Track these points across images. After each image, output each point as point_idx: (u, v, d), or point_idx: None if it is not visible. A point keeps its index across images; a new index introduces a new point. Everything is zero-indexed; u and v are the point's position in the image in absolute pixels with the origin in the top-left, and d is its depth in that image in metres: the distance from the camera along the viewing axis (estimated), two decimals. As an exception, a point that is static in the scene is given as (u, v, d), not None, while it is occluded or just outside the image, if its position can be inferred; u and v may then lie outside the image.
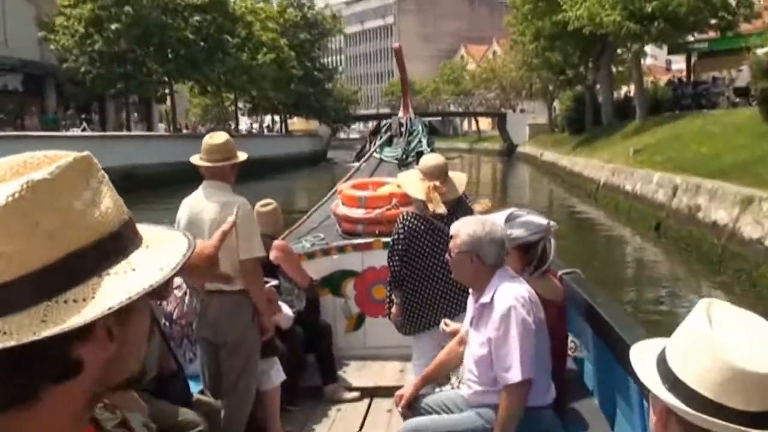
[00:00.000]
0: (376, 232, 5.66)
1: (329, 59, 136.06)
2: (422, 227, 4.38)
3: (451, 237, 3.31)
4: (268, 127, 66.62)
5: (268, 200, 5.43)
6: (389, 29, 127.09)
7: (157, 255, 1.00)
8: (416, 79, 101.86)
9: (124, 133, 34.65)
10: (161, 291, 0.87)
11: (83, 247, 0.93)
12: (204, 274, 1.40)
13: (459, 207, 4.44)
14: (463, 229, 3.25)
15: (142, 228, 1.05)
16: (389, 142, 7.06)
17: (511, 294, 3.12)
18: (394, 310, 4.55)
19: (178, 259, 1.00)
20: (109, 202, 0.99)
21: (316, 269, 5.70)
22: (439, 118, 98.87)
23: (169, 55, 36.66)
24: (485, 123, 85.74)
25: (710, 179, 13.59)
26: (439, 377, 3.78)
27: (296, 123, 72.23)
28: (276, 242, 5.28)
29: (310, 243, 6.07)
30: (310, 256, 5.80)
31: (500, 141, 70.18)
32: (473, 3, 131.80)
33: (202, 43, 37.30)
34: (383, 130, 7.27)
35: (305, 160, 53.47)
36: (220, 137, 4.27)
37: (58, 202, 0.93)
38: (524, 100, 69.81)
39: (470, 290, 3.39)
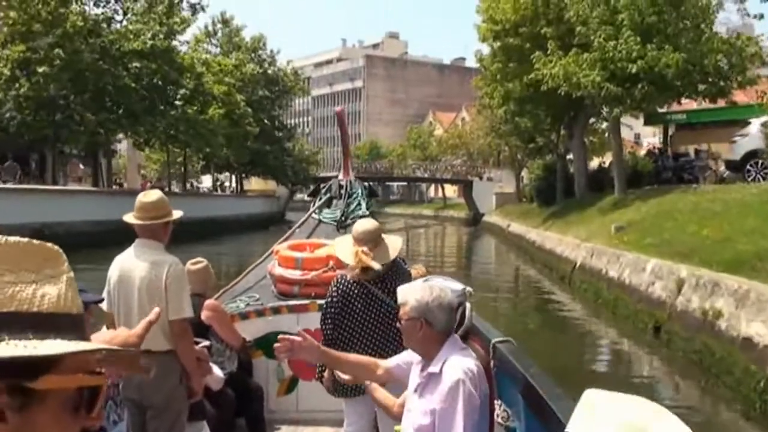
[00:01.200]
0: (312, 294, 5.63)
1: (294, 120, 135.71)
2: (355, 291, 4.32)
3: (400, 304, 3.25)
4: (221, 185, 63.13)
5: (199, 258, 5.40)
6: (358, 93, 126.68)
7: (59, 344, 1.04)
8: (383, 143, 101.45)
9: (39, 186, 30.88)
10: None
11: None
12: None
13: (393, 271, 4.36)
14: (411, 296, 3.20)
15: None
16: (328, 204, 7.08)
17: (460, 367, 3.07)
18: (326, 374, 4.38)
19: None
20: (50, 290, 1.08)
21: (250, 330, 5.63)
22: (405, 184, 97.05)
23: (106, 104, 33.27)
24: (451, 190, 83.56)
25: (729, 274, 10.40)
26: (337, 365, 3.73)
27: (254, 183, 69.01)
28: (208, 302, 5.16)
29: (244, 303, 5.99)
30: (244, 316, 5.74)
31: (466, 209, 67.78)
32: (443, 70, 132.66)
33: (142, 92, 33.99)
34: (323, 191, 7.23)
35: (259, 222, 50.06)
36: (153, 195, 4.27)
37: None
38: (491, 168, 67.64)
39: (414, 356, 3.32)
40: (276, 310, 5.79)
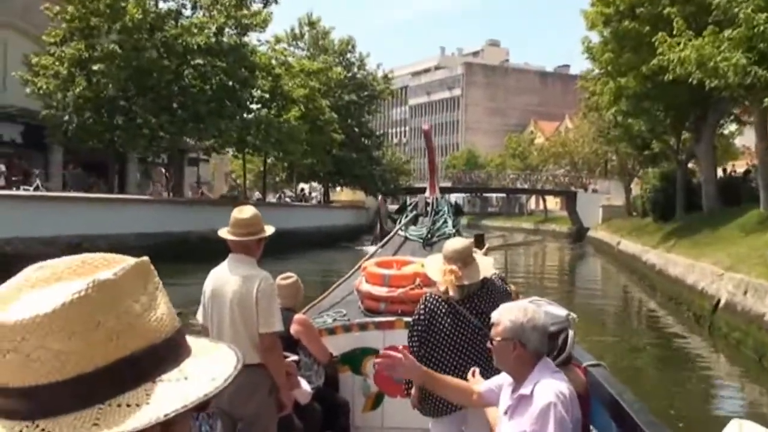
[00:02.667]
0: (399, 311, 5.60)
1: (391, 130, 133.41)
2: (442, 309, 4.33)
3: (493, 324, 3.24)
4: (303, 196, 60.03)
5: (288, 273, 5.54)
6: (456, 101, 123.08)
7: (207, 365, 1.04)
8: (481, 152, 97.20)
9: (80, 194, 28.04)
10: (205, 404, 1.01)
11: (138, 351, 0.98)
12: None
13: (484, 292, 4.36)
14: (505, 316, 3.19)
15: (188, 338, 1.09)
16: (414, 221, 7.13)
17: (552, 390, 3.03)
18: (413, 391, 4.41)
19: (230, 371, 1.04)
20: (164, 308, 1.04)
21: (337, 345, 5.62)
22: (503, 195, 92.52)
23: (168, 105, 30.37)
24: (553, 202, 78.49)
25: None
26: (435, 387, 3.73)
27: (342, 193, 65.79)
28: (297, 316, 5.26)
29: (331, 318, 5.97)
30: (331, 331, 5.73)
31: (569, 223, 62.74)
32: (545, 78, 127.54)
33: (209, 93, 30.93)
34: (409, 208, 7.34)
35: (343, 235, 46.68)
36: (247, 211, 4.47)
37: (119, 305, 0.98)
38: (597, 179, 62.18)
39: (507, 378, 3.31)
40: (363, 327, 5.70)
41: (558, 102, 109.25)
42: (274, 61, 38.36)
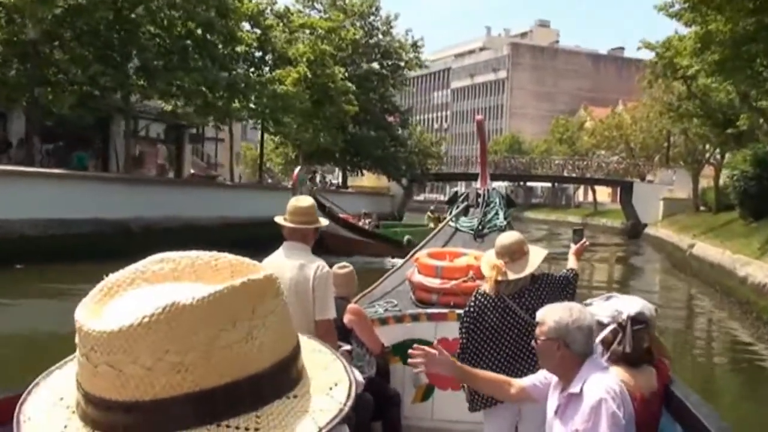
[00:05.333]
0: (451, 303, 5.55)
1: (432, 114, 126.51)
2: (491, 303, 4.35)
3: (538, 323, 3.23)
4: (317, 179, 52.77)
5: (344, 263, 5.61)
6: (501, 84, 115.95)
7: (316, 401, 1.02)
8: (526, 138, 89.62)
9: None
10: None
11: (255, 374, 0.96)
12: None
13: (536, 287, 4.35)
14: (549, 316, 3.17)
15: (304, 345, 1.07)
16: (465, 212, 7.09)
17: (602, 386, 3.03)
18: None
19: (344, 399, 1.03)
20: (271, 334, 1.00)
21: (388, 335, 5.58)
22: (549, 185, 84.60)
23: (113, 55, 23.41)
24: (604, 193, 70.32)
25: None
26: (470, 381, 3.80)
27: (366, 179, 58.54)
28: (350, 306, 5.24)
29: (383, 308, 5.97)
30: (383, 321, 5.72)
31: (622, 217, 54.86)
32: (598, 60, 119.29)
33: (165, 42, 23.87)
34: (460, 199, 7.28)
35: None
36: (305, 201, 4.63)
37: (241, 320, 0.96)
38: (658, 167, 54.07)
39: (555, 378, 3.30)
40: (415, 318, 5.70)
41: (611, 87, 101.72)
42: (269, 12, 31.29)
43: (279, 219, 4.56)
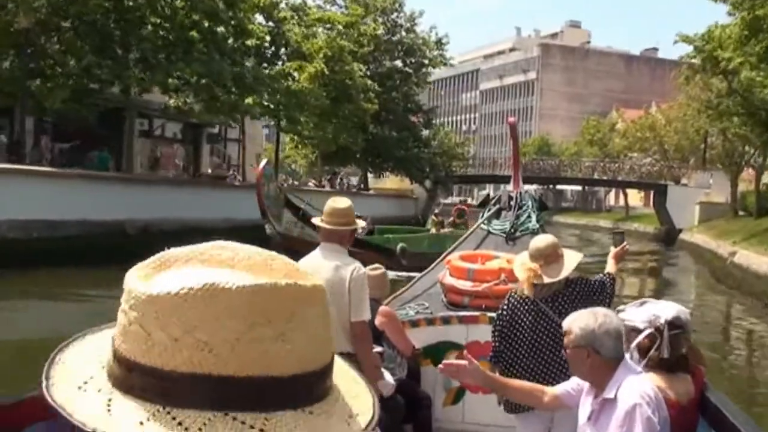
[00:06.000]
0: (483, 306, 5.57)
1: (460, 116, 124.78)
2: (524, 306, 4.35)
3: (564, 333, 3.21)
4: (337, 181, 51.20)
5: (377, 264, 5.54)
6: (530, 86, 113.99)
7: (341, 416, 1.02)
8: (555, 140, 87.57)
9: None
10: None
11: (276, 377, 0.95)
12: None
13: (571, 290, 4.34)
14: (575, 323, 3.15)
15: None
16: (497, 215, 7.08)
17: (636, 390, 2.99)
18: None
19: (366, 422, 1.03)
20: (304, 342, 0.99)
21: (419, 338, 5.57)
22: (579, 188, 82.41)
23: (112, 45, 21.97)
24: (637, 197, 68.07)
25: None
26: (502, 390, 3.79)
27: (388, 180, 56.88)
28: (382, 308, 5.22)
29: (414, 311, 5.97)
30: (414, 324, 5.71)
31: (655, 222, 52.64)
32: (630, 61, 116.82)
33: (166, 32, 22.38)
34: (492, 202, 7.32)
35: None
36: (343, 202, 4.63)
37: (277, 320, 0.95)
38: (693, 170, 51.81)
39: (587, 384, 3.28)
40: (446, 320, 5.69)
41: (644, 88, 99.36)
42: (283, 5, 29.74)
43: (316, 220, 4.64)
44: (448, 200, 78.18)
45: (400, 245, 21.45)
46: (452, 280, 5.84)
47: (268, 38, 28.40)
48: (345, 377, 1.08)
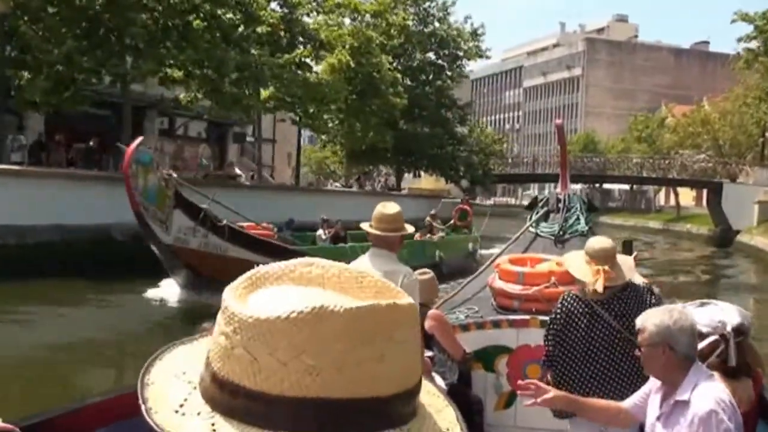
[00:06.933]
0: (533, 309, 5.49)
1: (503, 115, 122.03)
2: (580, 309, 4.34)
3: (638, 331, 3.18)
4: (372, 181, 48.80)
5: (425, 269, 5.55)
6: (575, 82, 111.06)
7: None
8: (601, 138, 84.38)
9: None
10: None
11: (378, 397, 0.97)
12: None
13: (626, 294, 4.28)
14: (649, 321, 3.13)
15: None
16: (545, 217, 7.07)
17: (712, 396, 2.96)
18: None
19: None
20: (399, 362, 1.01)
21: (469, 342, 5.44)
22: (627, 187, 78.98)
23: (99, 31, 19.77)
24: (689, 196, 64.58)
25: None
26: (581, 411, 3.74)
27: (423, 180, 54.31)
28: (431, 312, 5.08)
29: (463, 314, 5.94)
30: (464, 328, 5.64)
31: (709, 222, 49.29)
32: (680, 56, 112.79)
33: (156, 17, 20.08)
34: (540, 204, 7.29)
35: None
36: (392, 208, 4.60)
37: (378, 341, 0.97)
38: (751, 166, 48.41)
39: (655, 384, 3.30)
40: (496, 324, 5.63)
41: (695, 83, 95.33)
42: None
43: (365, 226, 4.66)
44: (491, 201, 75.30)
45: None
46: (502, 283, 5.78)
47: (282, 26, 26.05)
48: (425, 391, 1.07)
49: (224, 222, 15.18)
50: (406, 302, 1.00)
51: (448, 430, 1.05)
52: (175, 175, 14.54)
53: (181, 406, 0.98)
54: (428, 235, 20.20)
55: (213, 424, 0.94)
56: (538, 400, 3.43)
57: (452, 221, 23.51)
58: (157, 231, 14.14)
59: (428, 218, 21.71)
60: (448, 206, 45.24)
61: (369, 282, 1.03)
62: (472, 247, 23.07)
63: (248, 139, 42.10)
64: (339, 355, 0.92)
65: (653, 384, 3.28)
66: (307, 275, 1.02)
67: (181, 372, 1.04)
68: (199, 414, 0.96)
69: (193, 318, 13.09)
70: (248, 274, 1.05)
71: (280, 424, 0.91)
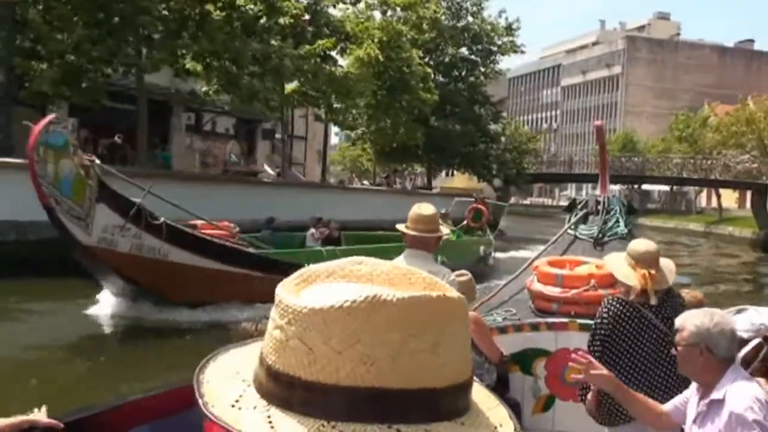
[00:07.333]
0: (572, 312, 5.45)
1: (540, 114, 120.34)
2: (628, 314, 4.21)
3: (677, 330, 3.19)
4: (401, 179, 47.77)
5: (463, 270, 5.51)
6: (615, 81, 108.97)
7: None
8: (641, 138, 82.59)
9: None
10: None
11: (433, 388, 0.99)
12: None
13: (668, 297, 4.27)
14: (689, 321, 3.12)
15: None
16: (584, 220, 7.04)
17: (747, 395, 2.95)
18: (589, 396, 4.26)
19: None
20: (453, 355, 1.03)
21: (507, 344, 5.39)
22: (666, 188, 76.96)
23: (111, 20, 19.01)
24: (732, 198, 62.57)
25: None
26: (625, 401, 3.61)
27: (455, 179, 53.17)
28: (470, 314, 4.03)
29: (501, 317, 5.86)
30: (502, 330, 5.60)
31: (753, 225, 47.51)
32: (724, 54, 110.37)
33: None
34: (579, 207, 7.24)
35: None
36: (429, 209, 4.62)
37: (430, 332, 0.99)
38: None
39: (694, 387, 3.29)
40: (534, 327, 5.54)
41: (738, 82, 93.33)
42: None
43: (401, 227, 4.64)
44: (527, 201, 73.83)
45: None
46: (540, 286, 5.71)
47: (305, 16, 25.17)
48: (476, 390, 1.10)
49: (162, 220, 12.35)
50: (456, 296, 1.01)
51: (501, 425, 1.06)
52: (98, 161, 11.86)
53: (237, 401, 0.99)
54: None
55: (269, 417, 0.95)
56: (590, 372, 3.39)
57: (465, 222, 21.68)
58: (73, 230, 11.41)
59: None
60: (463, 206, 44.02)
61: (418, 278, 1.03)
62: (484, 251, 20.88)
63: (277, 136, 41.53)
64: (393, 344, 0.93)
65: (693, 387, 3.27)
66: (356, 272, 1.03)
67: (235, 372, 1.05)
68: (255, 408, 0.98)
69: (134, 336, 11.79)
70: (299, 272, 1.07)
71: (336, 414, 0.92)
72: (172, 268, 12.13)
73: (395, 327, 0.94)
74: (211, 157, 36.08)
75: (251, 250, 14.01)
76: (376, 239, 17.02)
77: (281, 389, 0.97)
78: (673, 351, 3.23)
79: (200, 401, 1.01)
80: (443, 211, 18.74)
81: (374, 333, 0.93)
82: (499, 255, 28.16)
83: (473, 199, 24.27)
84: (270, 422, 0.95)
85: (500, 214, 47.49)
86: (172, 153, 29.18)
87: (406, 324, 0.94)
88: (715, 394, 3.02)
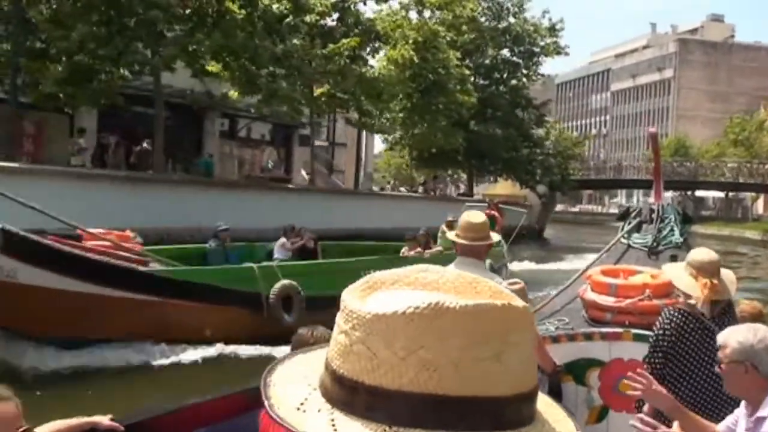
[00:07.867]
0: (626, 322, 5.34)
1: (589, 120, 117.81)
2: (691, 325, 4.13)
3: (720, 347, 3.08)
4: (437, 186, 46.27)
5: (516, 279, 5.20)
6: (666, 85, 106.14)
7: None
8: (694, 143, 79.97)
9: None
10: None
11: (497, 397, 0.98)
12: None
13: (728, 309, 4.20)
14: (732, 338, 3.03)
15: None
16: (638, 228, 6.99)
17: None
18: (645, 408, 4.00)
19: None
20: (517, 364, 1.02)
21: (560, 354, 5.29)
22: (721, 195, 74.13)
23: (122, 19, 18.11)
24: (790, 205, 59.65)
25: None
26: (682, 419, 3.44)
27: (499, 185, 51.49)
28: None
29: (554, 326, 5.74)
30: (555, 339, 5.49)
31: (815, 234, 44.73)
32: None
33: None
34: (632, 215, 7.24)
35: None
36: (479, 217, 4.67)
37: (494, 340, 0.98)
38: None
39: (744, 404, 3.16)
40: (588, 336, 5.44)
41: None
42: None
43: (451, 235, 4.82)
44: (576, 208, 71.56)
45: (279, 285, 11.29)
46: (594, 295, 5.59)
47: (335, 15, 24.08)
48: (542, 401, 1.08)
49: (2, 226, 8.93)
50: (521, 305, 1.01)
51: None
52: None
53: (302, 404, 1.01)
54: (417, 251, 14.91)
55: (332, 419, 0.96)
56: (648, 390, 3.27)
57: None
58: None
59: (443, 226, 16.46)
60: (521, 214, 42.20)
61: (484, 287, 1.03)
62: (492, 265, 18.32)
63: (318, 143, 40.69)
64: (456, 351, 0.93)
65: (742, 404, 3.15)
66: (422, 280, 1.03)
67: (301, 376, 1.08)
68: (319, 411, 0.99)
69: None
70: (364, 279, 1.07)
71: (398, 419, 0.93)
72: (24, 292, 8.85)
73: (458, 334, 0.93)
74: (247, 164, 35.37)
75: (153, 267, 10.65)
76: (360, 251, 14.99)
77: (345, 393, 0.97)
78: (716, 369, 3.14)
79: (266, 403, 1.02)
80: (450, 218, 16.33)
81: (437, 340, 0.92)
82: (541, 266, 26.53)
83: (486, 205, 22.10)
84: (333, 425, 0.95)
85: (544, 223, 45.80)
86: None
87: (469, 331, 0.93)
88: (762, 412, 2.95)
